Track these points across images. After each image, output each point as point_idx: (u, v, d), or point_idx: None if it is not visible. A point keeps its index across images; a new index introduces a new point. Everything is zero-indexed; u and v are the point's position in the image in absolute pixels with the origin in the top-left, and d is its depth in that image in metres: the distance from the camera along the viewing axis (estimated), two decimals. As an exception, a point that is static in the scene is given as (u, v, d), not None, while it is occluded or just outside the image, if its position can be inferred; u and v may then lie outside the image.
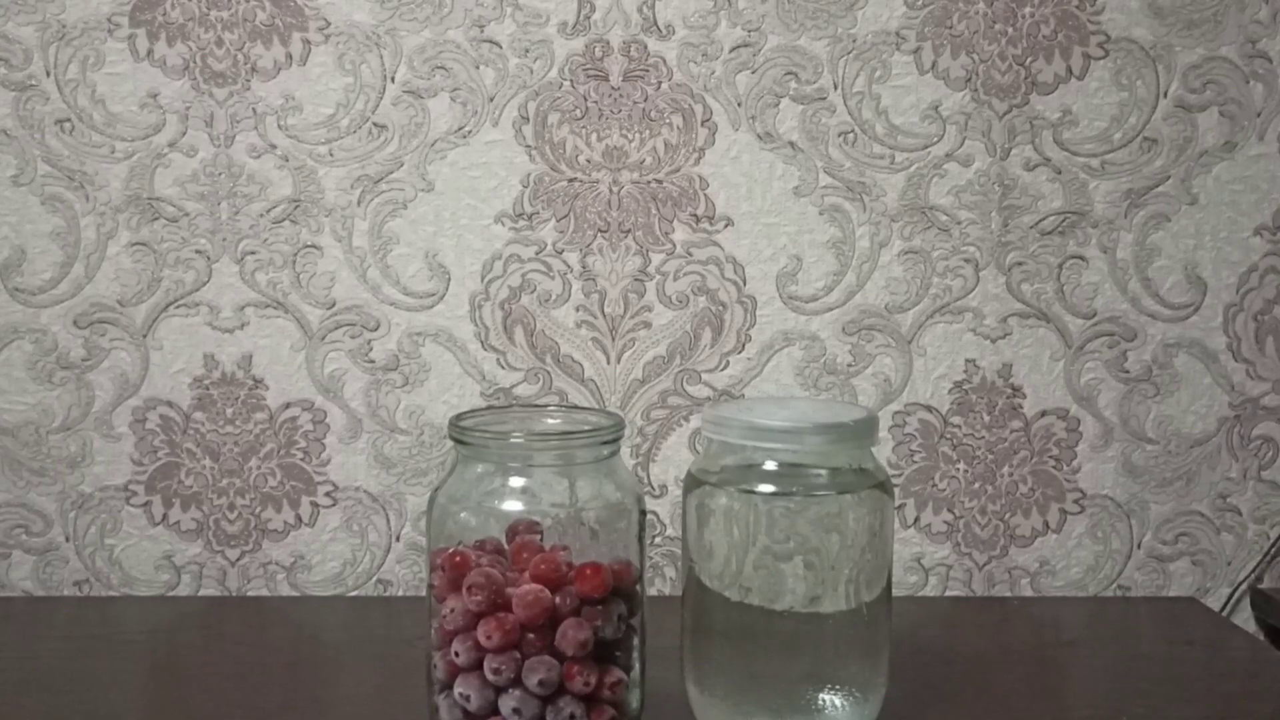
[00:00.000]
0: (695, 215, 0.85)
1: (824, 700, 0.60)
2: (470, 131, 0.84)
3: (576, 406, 0.84)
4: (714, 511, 0.61)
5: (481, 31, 0.83)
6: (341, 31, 0.83)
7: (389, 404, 0.86)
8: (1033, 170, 0.85)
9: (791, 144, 0.85)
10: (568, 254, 0.85)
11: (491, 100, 0.84)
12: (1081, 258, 0.86)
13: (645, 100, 0.84)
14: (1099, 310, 0.87)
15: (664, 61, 0.84)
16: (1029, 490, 0.88)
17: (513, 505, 0.60)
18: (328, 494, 0.87)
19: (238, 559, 0.87)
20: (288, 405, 0.86)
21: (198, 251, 0.85)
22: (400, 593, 0.88)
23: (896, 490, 0.87)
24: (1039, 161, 0.85)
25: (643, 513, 0.62)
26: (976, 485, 0.88)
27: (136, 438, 0.86)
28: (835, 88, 0.84)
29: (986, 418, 0.87)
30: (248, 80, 0.83)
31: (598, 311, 0.85)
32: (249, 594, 0.87)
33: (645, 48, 0.84)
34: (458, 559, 0.59)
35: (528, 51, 0.84)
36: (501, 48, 0.83)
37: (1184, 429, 0.88)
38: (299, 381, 0.86)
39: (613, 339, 0.86)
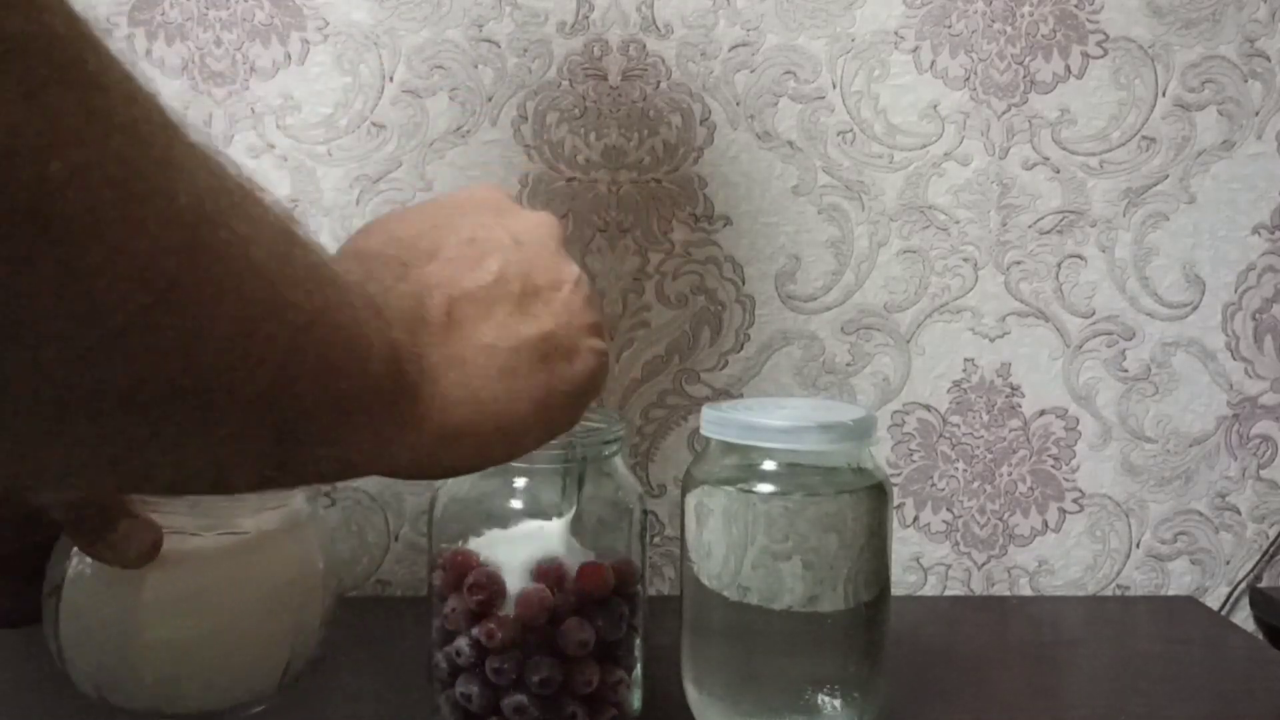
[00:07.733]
0: (694, 215, 0.85)
1: (823, 700, 0.60)
2: (469, 131, 0.84)
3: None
4: (712, 511, 0.61)
5: (480, 31, 0.83)
6: (340, 31, 0.83)
7: (388, 404, 0.86)
8: (1031, 169, 0.86)
9: (790, 143, 0.85)
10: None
11: (490, 100, 0.84)
12: (1080, 257, 0.86)
13: (644, 100, 0.84)
14: (1097, 309, 0.87)
15: (663, 61, 0.84)
16: (1028, 489, 0.88)
17: (513, 505, 0.60)
18: (326, 494, 0.87)
19: (237, 559, 0.87)
20: (286, 405, 0.86)
21: (196, 251, 0.84)
22: (399, 593, 0.88)
23: (895, 489, 0.87)
24: (1037, 160, 0.85)
25: (644, 512, 0.62)
26: (975, 484, 0.88)
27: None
28: (834, 87, 0.84)
29: (985, 417, 0.87)
30: (246, 80, 0.83)
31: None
32: (248, 594, 0.87)
33: (644, 47, 0.84)
34: (459, 558, 0.59)
35: (526, 51, 0.83)
36: (500, 47, 0.83)
37: (1182, 428, 0.88)
38: (298, 381, 0.86)
39: (611, 338, 0.86)
